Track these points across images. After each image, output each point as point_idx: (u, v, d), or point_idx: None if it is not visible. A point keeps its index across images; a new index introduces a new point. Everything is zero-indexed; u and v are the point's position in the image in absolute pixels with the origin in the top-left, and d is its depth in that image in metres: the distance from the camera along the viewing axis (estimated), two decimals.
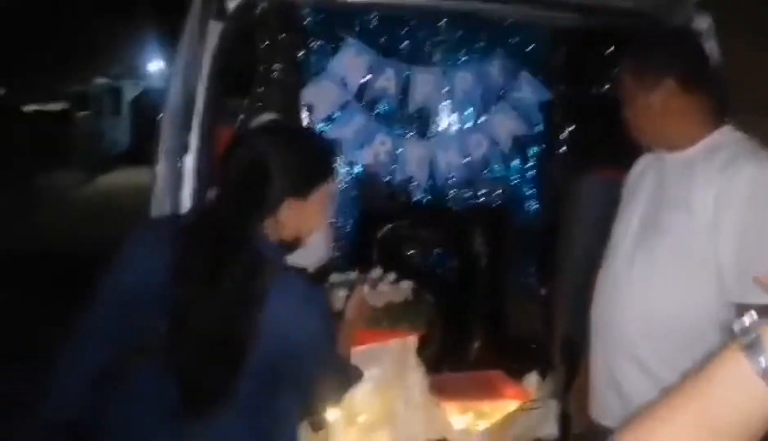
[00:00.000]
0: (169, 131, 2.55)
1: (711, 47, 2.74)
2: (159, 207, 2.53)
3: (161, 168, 2.53)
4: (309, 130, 1.88)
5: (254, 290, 1.42)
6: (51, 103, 18.96)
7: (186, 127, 2.52)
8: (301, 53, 2.95)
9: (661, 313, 1.83)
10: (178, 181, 2.52)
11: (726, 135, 1.87)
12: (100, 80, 21.35)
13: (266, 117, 2.63)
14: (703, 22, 2.75)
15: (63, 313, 1.58)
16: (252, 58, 2.68)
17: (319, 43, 3.32)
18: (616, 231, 2.03)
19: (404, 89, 3.51)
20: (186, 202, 2.52)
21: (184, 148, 2.52)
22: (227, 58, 2.59)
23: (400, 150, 3.57)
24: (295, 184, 1.56)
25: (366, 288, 2.19)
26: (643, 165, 2.08)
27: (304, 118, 3.21)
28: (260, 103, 2.66)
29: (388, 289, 2.34)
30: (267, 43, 2.66)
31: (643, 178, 2.01)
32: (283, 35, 2.74)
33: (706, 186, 1.74)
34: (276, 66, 2.71)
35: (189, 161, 2.53)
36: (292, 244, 1.62)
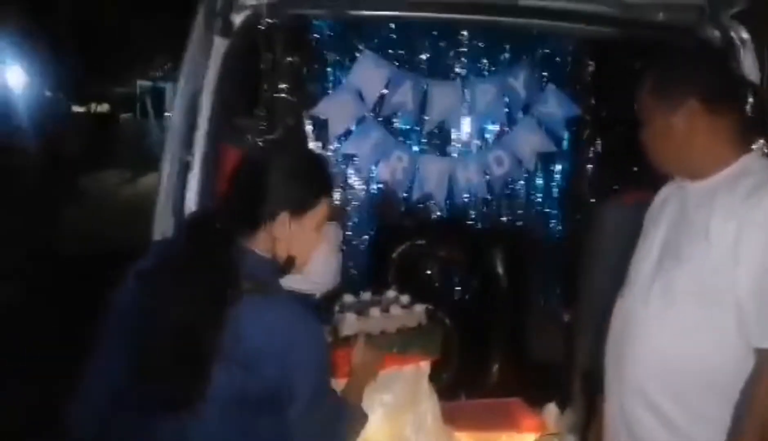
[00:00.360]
0: (173, 149, 2.46)
1: (749, 63, 2.59)
2: (161, 226, 2.45)
3: (163, 186, 2.45)
4: (309, 149, 1.80)
5: (227, 296, 1.39)
6: (97, 104, 19.23)
7: (189, 146, 2.42)
8: (312, 68, 2.81)
9: (676, 352, 1.70)
10: (181, 200, 2.43)
11: (752, 162, 1.73)
12: (143, 82, 21.60)
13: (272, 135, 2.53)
14: (740, 36, 2.59)
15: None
16: (259, 75, 2.56)
17: (333, 56, 3.20)
18: (635, 262, 1.89)
19: (423, 103, 3.40)
20: None
21: (186, 167, 2.43)
22: (233, 75, 2.50)
23: (418, 166, 3.47)
24: (292, 199, 1.53)
25: (377, 311, 2.15)
26: (665, 193, 1.93)
27: (315, 133, 3.09)
28: (268, 121, 2.53)
29: (401, 312, 2.34)
30: (274, 59, 2.54)
31: (665, 207, 1.87)
32: (293, 50, 2.60)
33: (727, 216, 1.61)
34: (285, 82, 2.58)
35: (192, 179, 2.45)
36: (287, 265, 1.56)
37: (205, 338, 1.37)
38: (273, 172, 1.51)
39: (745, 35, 2.59)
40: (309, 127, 2.81)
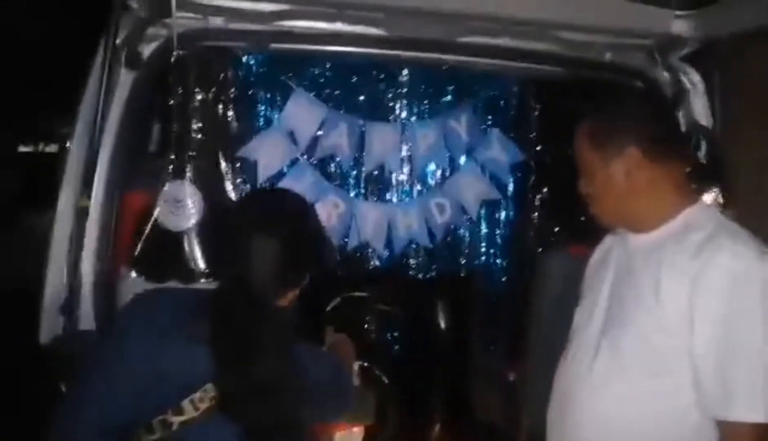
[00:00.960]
0: (68, 194, 2.20)
1: (699, 107, 2.47)
2: (54, 274, 2.20)
3: (56, 236, 2.18)
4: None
5: (291, 356, 1.52)
6: (46, 144, 18.84)
7: (87, 190, 2.17)
8: (238, 106, 2.59)
9: (623, 423, 1.60)
10: (77, 251, 2.18)
11: (699, 214, 1.63)
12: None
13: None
14: (691, 79, 2.47)
15: None
16: (173, 113, 2.33)
17: (262, 94, 2.99)
18: (579, 320, 1.78)
19: (360, 146, 3.19)
20: (87, 270, 2.22)
21: (84, 213, 2.17)
22: (140, 112, 2.26)
23: (355, 212, 3.23)
24: (320, 261, 1.75)
25: None
26: (608, 244, 1.82)
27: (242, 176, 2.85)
28: (179, 164, 2.29)
29: None
30: (190, 95, 2.31)
31: (609, 260, 1.76)
32: (212, 86, 2.38)
33: (678, 276, 1.52)
34: (202, 121, 2.34)
35: (90, 228, 2.19)
36: None
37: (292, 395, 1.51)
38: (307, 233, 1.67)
39: (695, 78, 2.49)
40: (231, 169, 2.56)
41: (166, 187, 2.29)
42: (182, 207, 2.24)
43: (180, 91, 2.29)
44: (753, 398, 1.45)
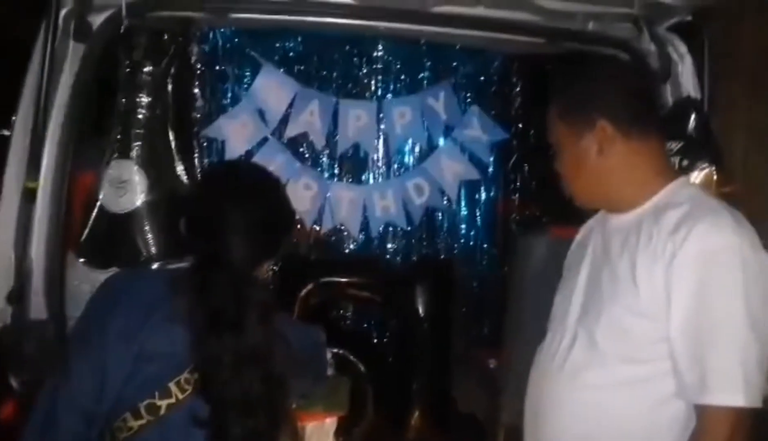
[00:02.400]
0: (14, 175, 2.05)
1: (687, 79, 2.35)
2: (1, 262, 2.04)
3: (3, 217, 2.04)
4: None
5: (274, 327, 1.49)
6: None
7: (35, 171, 2.02)
8: (201, 82, 2.45)
9: (600, 409, 1.52)
10: (25, 235, 2.03)
11: (678, 190, 1.53)
12: None
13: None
14: (678, 50, 2.34)
15: None
16: (124, 88, 2.18)
17: (229, 70, 2.84)
18: (556, 308, 1.69)
19: (333, 124, 3.07)
20: (36, 257, 2.06)
21: (31, 196, 2.02)
22: (90, 88, 2.10)
23: (329, 194, 3.14)
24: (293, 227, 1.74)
25: None
26: (590, 227, 1.73)
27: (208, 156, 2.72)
28: (129, 143, 2.15)
29: None
30: (144, 70, 2.16)
31: (588, 243, 1.67)
32: (170, 61, 2.22)
33: (654, 256, 1.44)
34: (157, 97, 2.20)
35: (39, 211, 2.05)
36: None
37: (276, 379, 1.47)
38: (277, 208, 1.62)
39: (683, 49, 2.35)
40: (197, 148, 2.43)
41: (110, 168, 2.14)
42: (127, 188, 2.10)
43: (128, 64, 2.14)
44: (732, 381, 1.36)
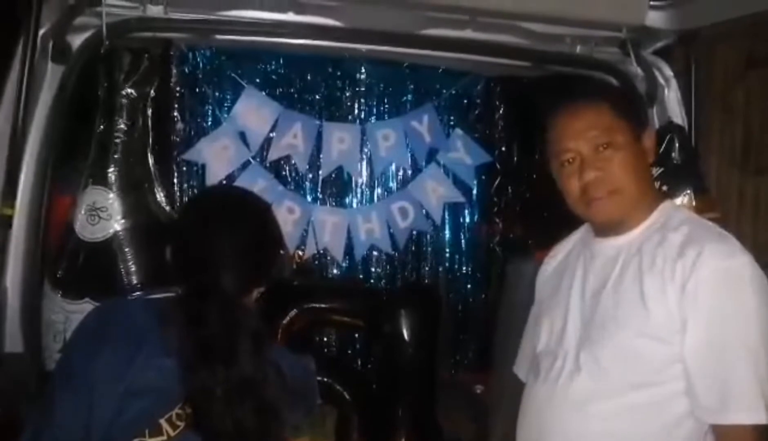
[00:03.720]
0: None
1: (673, 103, 2.36)
2: None
3: None
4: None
5: (267, 356, 1.46)
6: None
7: (11, 197, 1.95)
8: (181, 104, 2.40)
9: (611, 438, 1.48)
10: (2, 259, 1.98)
11: (673, 213, 1.54)
12: None
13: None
14: (664, 73, 2.36)
15: None
16: (102, 110, 2.12)
17: (209, 91, 2.80)
18: (547, 337, 1.64)
19: (317, 147, 3.04)
20: (12, 286, 2.00)
21: (7, 223, 1.95)
22: (69, 110, 2.05)
23: (313, 218, 3.09)
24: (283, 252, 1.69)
25: None
26: (566, 250, 1.71)
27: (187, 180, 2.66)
28: (106, 168, 2.09)
29: None
30: (123, 92, 2.10)
31: (570, 266, 1.64)
32: (151, 82, 2.17)
33: (663, 280, 1.43)
34: (136, 119, 2.14)
35: (14, 237, 1.98)
36: None
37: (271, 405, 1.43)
38: (268, 232, 1.59)
39: (669, 73, 2.37)
40: (176, 173, 2.37)
41: (86, 194, 2.08)
42: (101, 215, 2.02)
43: (107, 86, 2.09)
44: (753, 399, 1.38)
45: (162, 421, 1.37)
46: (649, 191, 1.54)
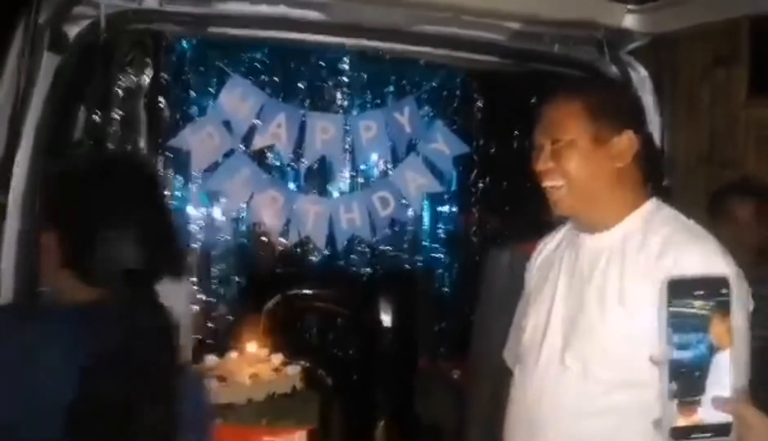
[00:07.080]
0: None
1: (647, 104, 2.44)
2: None
3: None
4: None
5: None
6: None
7: (5, 185, 1.96)
8: (170, 93, 2.42)
9: (603, 439, 1.47)
10: None
11: (655, 212, 1.52)
12: None
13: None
14: (639, 74, 2.44)
15: None
16: (97, 100, 2.14)
17: (196, 80, 2.82)
18: (531, 334, 1.62)
19: (300, 137, 3.07)
20: (5, 286, 1.97)
21: (1, 212, 1.96)
22: (65, 99, 2.06)
23: (295, 206, 3.13)
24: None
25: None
26: (554, 244, 1.69)
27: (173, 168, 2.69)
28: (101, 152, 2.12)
29: (272, 377, 2.22)
30: (118, 81, 2.13)
31: (556, 264, 1.63)
32: (143, 71, 2.20)
33: (643, 280, 1.41)
34: (130, 108, 2.17)
35: (9, 229, 1.98)
36: None
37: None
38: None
39: (643, 72, 2.45)
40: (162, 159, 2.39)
41: None
42: None
43: (102, 76, 2.11)
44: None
45: None
46: (618, 192, 1.51)
